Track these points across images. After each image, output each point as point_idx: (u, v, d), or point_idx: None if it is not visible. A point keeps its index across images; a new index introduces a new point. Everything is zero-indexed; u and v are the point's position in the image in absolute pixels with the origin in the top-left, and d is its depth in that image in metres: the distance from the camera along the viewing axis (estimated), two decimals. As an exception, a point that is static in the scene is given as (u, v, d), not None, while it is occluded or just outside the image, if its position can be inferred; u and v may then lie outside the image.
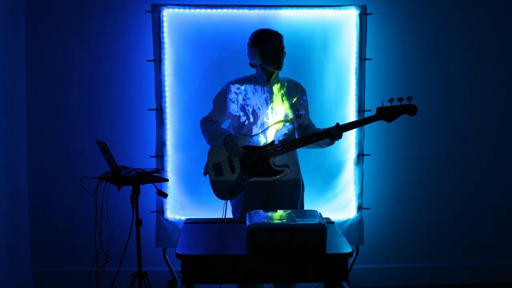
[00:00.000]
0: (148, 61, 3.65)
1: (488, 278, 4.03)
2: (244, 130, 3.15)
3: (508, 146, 4.00)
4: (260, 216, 2.46)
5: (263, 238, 2.32)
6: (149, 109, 3.66)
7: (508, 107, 3.98)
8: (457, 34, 3.91)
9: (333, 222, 2.75)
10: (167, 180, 3.27)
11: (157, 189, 2.96)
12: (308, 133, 3.14)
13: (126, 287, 3.18)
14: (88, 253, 3.55)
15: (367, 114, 3.55)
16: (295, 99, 3.19)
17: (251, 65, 3.21)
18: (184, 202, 3.68)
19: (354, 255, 3.66)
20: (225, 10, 3.60)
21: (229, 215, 3.25)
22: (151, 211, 3.68)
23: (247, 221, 2.41)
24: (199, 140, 3.33)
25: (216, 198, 3.18)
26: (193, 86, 3.65)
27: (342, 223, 3.65)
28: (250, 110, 3.14)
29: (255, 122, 3.14)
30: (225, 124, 3.31)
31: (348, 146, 3.69)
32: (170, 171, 3.65)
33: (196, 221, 2.83)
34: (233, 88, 3.18)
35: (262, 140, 3.12)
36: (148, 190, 3.39)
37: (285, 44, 3.15)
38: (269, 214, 2.50)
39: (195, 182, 3.62)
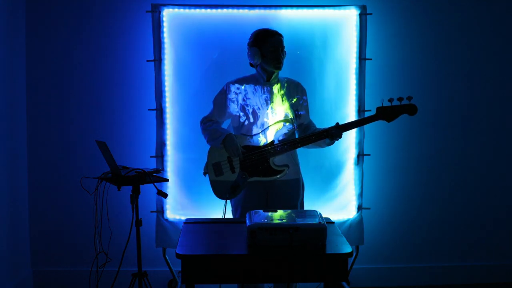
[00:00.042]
0: (148, 61, 3.65)
1: (488, 278, 4.03)
2: (244, 130, 3.15)
3: (508, 146, 4.00)
4: (260, 216, 2.45)
5: (263, 238, 2.32)
6: (149, 109, 3.66)
7: (508, 107, 3.98)
8: (457, 34, 3.92)
9: (333, 222, 2.75)
10: (167, 180, 3.27)
11: (157, 189, 2.96)
12: (308, 133, 3.14)
13: (126, 287, 3.18)
14: (88, 253, 3.55)
15: (367, 114, 3.55)
16: (295, 99, 3.19)
17: (251, 65, 3.21)
18: (184, 202, 3.68)
19: (354, 255, 3.66)
20: (225, 10, 3.60)
21: (229, 215, 3.25)
22: (151, 211, 3.68)
23: (247, 221, 2.41)
24: (199, 140, 3.33)
25: (216, 198, 3.18)
26: (193, 86, 3.65)
27: (342, 223, 3.65)
28: (250, 110, 3.14)
29: (255, 122, 3.14)
30: (225, 124, 3.31)
31: (348, 146, 3.69)
32: (170, 171, 3.65)
33: (196, 221, 2.83)
34: (233, 88, 3.18)
35: (262, 140, 3.12)
36: (148, 190, 3.39)
37: (285, 44, 3.15)
38: (269, 214, 2.50)
39: (195, 182, 3.62)
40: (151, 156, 3.65)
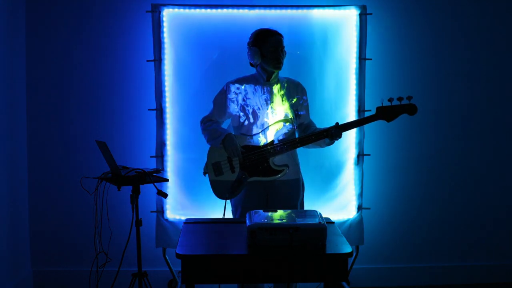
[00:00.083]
0: (148, 61, 3.65)
1: (488, 278, 4.03)
2: (244, 130, 3.15)
3: (508, 146, 4.00)
4: (260, 216, 2.45)
5: (263, 238, 2.32)
6: (149, 109, 3.66)
7: (508, 107, 3.98)
8: (457, 34, 3.92)
9: (333, 222, 2.75)
10: (167, 180, 3.27)
11: (157, 189, 2.96)
12: (308, 133, 3.14)
13: (126, 287, 3.18)
14: (88, 253, 3.55)
15: (367, 114, 3.55)
16: (295, 99, 3.19)
17: (251, 64, 3.21)
18: (184, 202, 3.68)
19: (354, 255, 3.66)
20: (225, 10, 3.60)
21: (229, 215, 3.25)
22: (151, 211, 3.68)
23: (247, 221, 2.41)
24: (199, 140, 3.33)
25: (216, 198, 3.18)
26: (193, 86, 3.65)
27: (342, 223, 3.65)
28: (250, 110, 3.14)
29: (255, 122, 3.13)
30: (225, 124, 3.31)
31: (348, 146, 3.69)
32: (170, 171, 3.65)
33: (196, 221, 2.83)
34: (233, 88, 3.18)
35: (262, 140, 3.12)
36: (148, 190, 3.39)
37: (285, 44, 3.15)
38: (269, 214, 2.50)
39: (195, 182, 3.62)
40: (151, 156, 3.65)
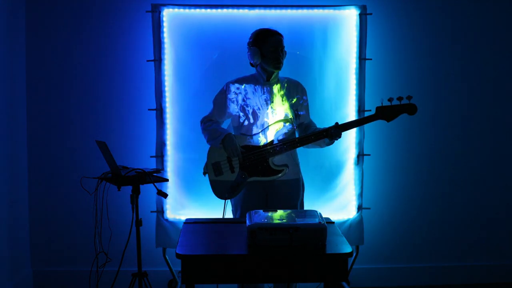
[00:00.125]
0: (148, 61, 3.65)
1: (488, 278, 4.03)
2: (243, 130, 3.15)
3: (508, 146, 4.00)
4: (260, 216, 2.45)
5: (263, 238, 2.32)
6: (149, 109, 3.67)
7: (508, 107, 3.98)
8: (457, 34, 3.92)
9: (333, 222, 2.75)
10: (167, 180, 3.27)
11: (157, 189, 2.96)
12: (308, 133, 3.14)
13: (126, 287, 3.18)
14: (88, 253, 3.55)
15: (367, 114, 3.55)
16: (295, 99, 3.19)
17: (251, 64, 3.21)
18: (184, 202, 3.68)
19: (354, 255, 3.66)
20: (225, 10, 3.60)
21: (229, 215, 3.25)
22: (151, 211, 3.68)
23: (247, 221, 2.41)
24: (199, 140, 3.33)
25: (216, 198, 3.18)
26: (193, 86, 3.65)
27: (342, 223, 3.65)
28: (250, 110, 3.14)
29: (254, 122, 3.13)
30: (225, 124, 3.31)
31: (348, 146, 3.69)
32: (170, 171, 3.65)
33: (196, 221, 2.83)
34: (233, 88, 3.18)
35: (262, 140, 3.12)
36: (148, 190, 3.39)
37: (285, 44, 3.15)
38: (269, 214, 2.50)
39: (195, 182, 3.62)
40: (151, 156, 3.65)
